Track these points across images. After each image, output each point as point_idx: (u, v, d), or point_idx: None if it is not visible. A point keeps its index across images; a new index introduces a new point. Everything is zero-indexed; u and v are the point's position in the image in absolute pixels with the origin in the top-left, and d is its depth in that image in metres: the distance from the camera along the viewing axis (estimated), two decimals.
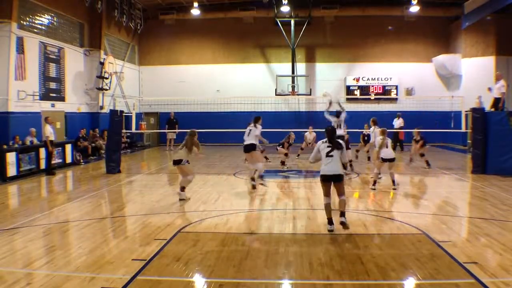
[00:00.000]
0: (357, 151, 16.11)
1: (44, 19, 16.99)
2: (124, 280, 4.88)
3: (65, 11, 18.18)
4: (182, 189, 9.34)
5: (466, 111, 15.44)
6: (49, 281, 4.87)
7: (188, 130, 9.55)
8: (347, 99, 23.54)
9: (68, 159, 15.71)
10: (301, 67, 24.46)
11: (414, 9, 21.96)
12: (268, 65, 24.89)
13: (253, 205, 9.19)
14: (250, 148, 10.67)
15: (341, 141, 7.21)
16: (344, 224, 6.74)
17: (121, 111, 14.68)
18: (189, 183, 9.40)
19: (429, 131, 17.92)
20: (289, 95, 22.57)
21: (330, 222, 6.90)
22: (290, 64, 23.53)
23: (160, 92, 23.72)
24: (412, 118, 19.87)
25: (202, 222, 7.73)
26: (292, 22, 23.34)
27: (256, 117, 11.07)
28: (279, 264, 5.45)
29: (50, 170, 13.54)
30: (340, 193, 6.96)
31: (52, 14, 17.50)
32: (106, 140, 15.04)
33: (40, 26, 16.69)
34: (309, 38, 23.77)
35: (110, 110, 15.08)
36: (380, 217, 8.03)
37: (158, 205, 9.07)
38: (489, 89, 14.45)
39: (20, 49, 15.02)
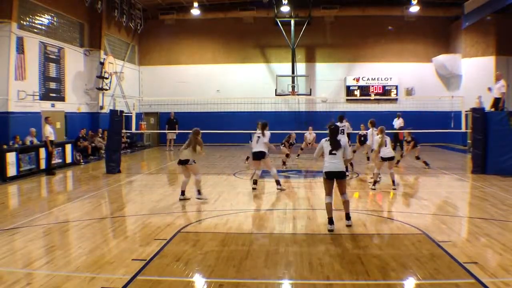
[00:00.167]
0: (354, 151, 16.07)
1: (44, 19, 16.99)
2: (124, 280, 4.88)
3: (65, 11, 18.18)
4: (199, 192, 9.32)
5: (466, 111, 15.44)
6: (49, 281, 4.87)
7: (192, 129, 9.46)
8: (347, 99, 23.59)
9: (68, 159, 15.72)
10: (301, 67, 24.47)
11: (414, 9, 21.96)
12: (268, 65, 24.89)
13: (253, 205, 9.18)
14: (260, 156, 10.54)
15: (342, 140, 7.41)
16: (350, 227, 7.07)
17: (121, 111, 14.67)
18: (200, 183, 9.38)
19: (429, 131, 17.97)
20: (289, 95, 22.56)
21: (330, 221, 6.99)
22: (290, 64, 23.53)
23: (160, 92, 23.74)
24: (412, 118, 19.87)
25: (202, 222, 7.74)
26: (292, 22, 23.34)
27: (263, 123, 10.81)
28: (279, 264, 5.45)
29: (50, 170, 13.54)
30: (343, 191, 7.18)
31: (52, 14, 17.50)
32: (106, 140, 15.03)
33: (40, 26, 16.69)
34: (309, 38, 23.77)
35: (110, 110, 15.08)
36: (380, 217, 8.03)
37: (158, 205, 9.07)
38: (489, 89, 14.44)
39: (20, 49, 15.02)
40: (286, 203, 9.32)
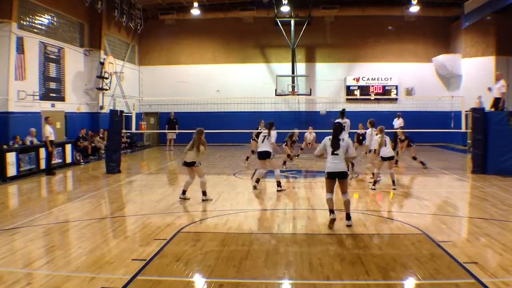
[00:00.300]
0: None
1: (44, 19, 16.99)
2: (124, 280, 4.88)
3: (65, 11, 18.17)
4: (204, 193, 9.31)
5: (466, 111, 15.44)
6: (49, 281, 4.87)
7: (196, 129, 9.42)
8: (347, 99, 23.58)
9: (68, 159, 15.72)
10: (301, 67, 24.46)
11: (414, 9, 21.95)
12: (268, 65, 24.89)
13: (253, 205, 9.18)
14: (265, 156, 10.52)
15: (346, 138, 7.50)
16: (350, 227, 7.10)
17: (121, 111, 14.68)
18: (205, 185, 9.37)
19: (429, 131, 17.98)
20: (289, 95, 22.56)
21: (331, 212, 7.23)
22: (290, 64, 23.52)
23: (160, 92, 23.73)
24: (412, 118, 19.86)
25: (202, 222, 7.74)
26: (292, 22, 23.33)
27: (269, 123, 10.81)
28: (279, 264, 5.46)
29: (50, 170, 13.54)
30: (344, 191, 7.28)
31: (52, 14, 17.50)
32: (106, 140, 15.03)
33: (40, 26, 16.69)
34: (309, 38, 23.77)
35: (110, 110, 15.08)
36: (380, 217, 8.04)
37: (158, 205, 9.07)
38: (489, 89, 14.44)
39: (20, 49, 15.02)
40: (286, 203, 9.32)
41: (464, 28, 21.73)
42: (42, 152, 13.76)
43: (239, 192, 10.42)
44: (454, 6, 22.53)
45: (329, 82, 24.30)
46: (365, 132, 14.34)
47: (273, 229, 7.23)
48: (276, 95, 22.54)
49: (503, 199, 9.37)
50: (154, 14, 24.67)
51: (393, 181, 10.64)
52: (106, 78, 20.06)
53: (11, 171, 12.47)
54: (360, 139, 15.30)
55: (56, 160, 14.57)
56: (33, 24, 16.26)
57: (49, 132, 13.48)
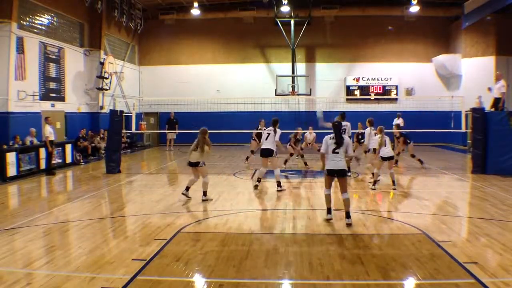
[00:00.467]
0: (353, 151, 16.00)
1: (44, 19, 16.99)
2: (124, 280, 4.88)
3: (65, 11, 18.17)
4: (204, 193, 9.32)
5: (466, 111, 15.44)
6: (49, 281, 4.87)
7: (200, 129, 9.39)
8: (347, 99, 23.59)
9: (68, 159, 15.72)
10: (301, 67, 24.47)
11: (414, 9, 21.95)
12: (268, 65, 24.89)
13: (253, 205, 9.18)
14: (267, 154, 10.44)
15: (345, 138, 7.57)
16: (350, 225, 7.15)
17: (121, 111, 14.67)
18: (207, 185, 9.37)
19: (429, 131, 17.97)
20: (289, 95, 22.56)
21: (329, 211, 7.40)
22: (290, 64, 23.53)
23: (160, 92, 23.74)
24: (412, 118, 19.88)
25: (202, 222, 7.74)
26: (292, 22, 23.33)
27: (274, 120, 10.68)
28: (279, 264, 5.46)
29: (50, 170, 13.54)
30: (344, 189, 7.36)
31: (52, 14, 17.50)
32: (106, 140, 15.03)
33: (40, 26, 16.69)
34: (309, 38, 23.77)
35: (110, 110, 15.08)
36: (380, 217, 8.04)
37: (158, 205, 9.07)
38: (489, 89, 14.44)
39: (20, 49, 15.02)
40: (286, 203, 9.31)
41: (464, 28, 21.74)
42: (42, 152, 13.76)
43: (239, 192, 10.42)
44: (454, 6, 22.53)
45: (329, 82, 24.31)
46: (364, 132, 14.35)
47: (273, 229, 7.23)
48: (276, 95, 22.55)
49: (503, 199, 9.37)
50: (154, 14, 24.67)
51: (393, 181, 10.64)
52: (106, 78, 20.06)
53: (11, 171, 12.48)
54: (359, 138, 15.28)
55: (56, 160, 14.57)
56: (33, 24, 16.26)
57: (49, 132, 13.48)
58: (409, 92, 23.96)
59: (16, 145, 13.57)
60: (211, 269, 5.29)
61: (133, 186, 11.89)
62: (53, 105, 17.27)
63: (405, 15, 23.40)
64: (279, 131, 10.53)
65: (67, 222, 7.72)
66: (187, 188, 9.44)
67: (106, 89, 20.28)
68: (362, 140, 14.10)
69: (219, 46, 25.20)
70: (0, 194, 10.61)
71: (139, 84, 25.49)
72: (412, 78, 23.88)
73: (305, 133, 17.34)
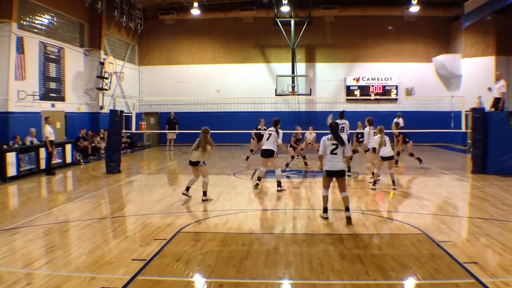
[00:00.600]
0: (354, 151, 16.00)
1: (44, 19, 16.99)
2: (124, 280, 4.88)
3: (65, 11, 18.17)
4: (204, 193, 9.31)
5: (466, 111, 15.43)
6: (49, 281, 4.87)
7: (202, 128, 9.39)
8: (347, 99, 23.59)
9: (68, 159, 15.72)
10: (301, 67, 24.46)
11: (414, 9, 21.94)
12: (268, 65, 24.89)
13: (253, 205, 9.18)
14: (268, 154, 10.42)
15: (343, 136, 7.72)
16: (349, 219, 7.24)
17: (121, 111, 14.67)
18: (207, 185, 9.37)
19: (429, 131, 17.97)
20: (289, 95, 22.56)
21: (325, 210, 7.56)
22: (290, 64, 23.52)
23: (160, 92, 23.75)
24: (412, 118, 19.86)
25: (202, 222, 7.74)
26: (292, 22, 23.33)
27: (275, 120, 10.64)
28: (279, 264, 5.46)
29: (50, 170, 13.54)
30: (342, 189, 7.45)
31: (52, 14, 17.49)
32: (106, 140, 15.03)
33: (40, 26, 16.69)
34: (309, 38, 23.76)
35: (110, 110, 15.08)
36: (380, 217, 8.04)
37: (158, 205, 9.07)
38: (489, 89, 14.44)
39: (20, 49, 15.01)
40: (286, 203, 9.32)
41: (464, 28, 21.73)
42: (42, 152, 13.76)
43: (239, 192, 10.42)
44: (454, 6, 22.52)
45: (329, 82, 24.31)
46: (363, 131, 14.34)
47: (273, 229, 7.23)
48: (276, 95, 22.55)
49: (503, 199, 9.37)
50: (154, 14, 24.67)
51: (393, 181, 10.64)
52: (106, 78, 20.06)
53: (11, 171, 12.48)
54: (358, 137, 15.28)
55: (56, 160, 14.57)
56: (33, 24, 16.25)
57: (49, 132, 13.48)
58: (409, 92, 23.95)
59: (16, 145, 13.57)
60: (211, 269, 5.29)
61: (133, 186, 11.89)
62: (53, 105, 17.27)
63: (405, 15, 23.40)
64: (281, 132, 10.50)
65: (67, 222, 7.72)
66: (187, 188, 9.45)
67: (106, 89, 20.28)
68: (362, 139, 14.09)
69: (219, 46, 25.20)
70: (0, 194, 10.61)
71: (139, 84, 25.49)
72: (412, 78, 23.87)
73: (305, 133, 17.37)
